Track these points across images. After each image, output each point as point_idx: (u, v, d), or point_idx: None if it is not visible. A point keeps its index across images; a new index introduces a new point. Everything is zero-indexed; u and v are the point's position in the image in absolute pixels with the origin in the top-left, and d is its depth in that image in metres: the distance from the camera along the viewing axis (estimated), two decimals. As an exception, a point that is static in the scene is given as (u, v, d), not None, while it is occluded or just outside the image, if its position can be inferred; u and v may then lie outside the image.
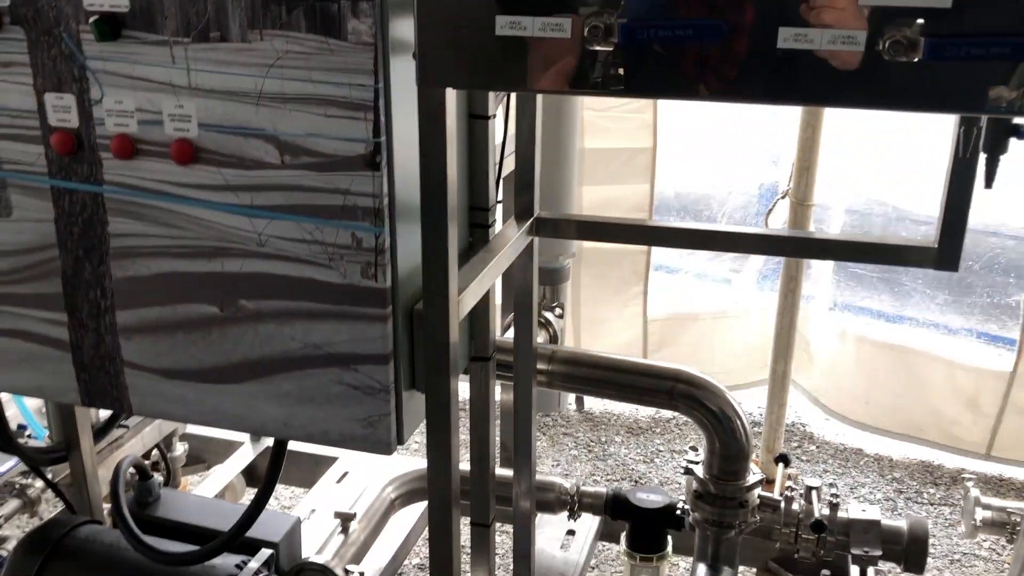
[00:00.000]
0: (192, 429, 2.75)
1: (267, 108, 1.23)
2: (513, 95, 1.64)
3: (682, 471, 1.93)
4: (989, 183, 1.30)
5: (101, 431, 2.18)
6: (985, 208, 3.02)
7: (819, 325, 3.50)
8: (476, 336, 1.61)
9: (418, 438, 2.88)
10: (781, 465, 2.03)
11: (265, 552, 1.80)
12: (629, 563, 2.17)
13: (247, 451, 2.71)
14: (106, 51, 1.27)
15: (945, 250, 1.50)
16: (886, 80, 1.01)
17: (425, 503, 2.24)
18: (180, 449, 2.62)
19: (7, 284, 1.46)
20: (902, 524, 1.97)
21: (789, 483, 2.00)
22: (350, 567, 1.94)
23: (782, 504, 1.92)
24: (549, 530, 2.37)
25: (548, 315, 2.14)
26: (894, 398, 3.33)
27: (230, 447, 2.74)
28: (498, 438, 2.46)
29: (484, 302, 1.55)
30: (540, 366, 1.86)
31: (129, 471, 1.94)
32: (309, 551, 1.97)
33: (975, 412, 3.21)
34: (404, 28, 1.20)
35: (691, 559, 1.95)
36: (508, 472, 1.95)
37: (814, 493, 1.97)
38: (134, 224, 1.35)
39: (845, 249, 1.73)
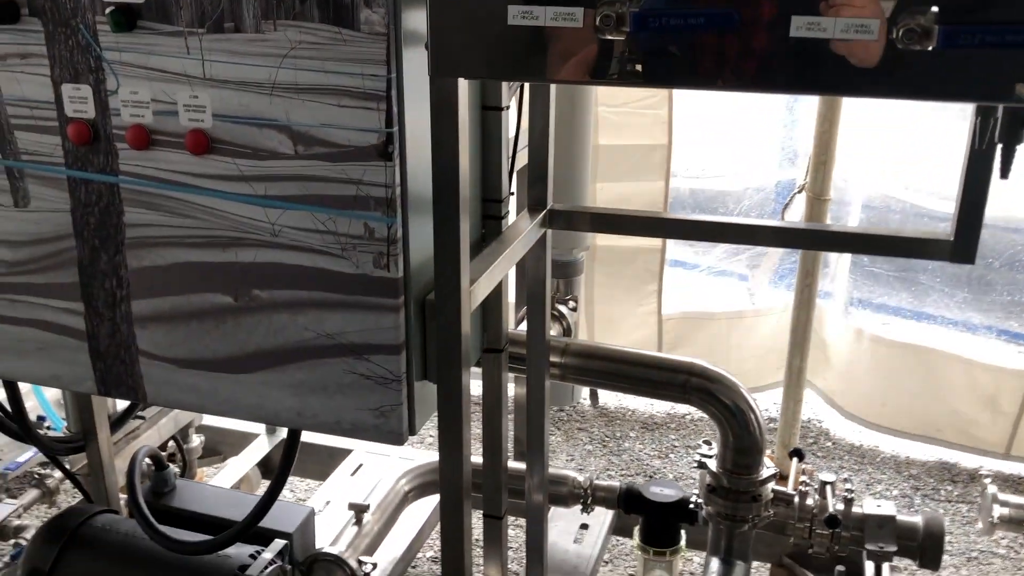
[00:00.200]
0: (208, 421, 2.76)
1: (281, 98, 1.23)
2: (527, 86, 1.64)
3: (696, 466, 1.93)
4: (1005, 174, 1.29)
5: (118, 422, 2.20)
6: (1006, 204, 2.99)
7: (836, 326, 3.46)
8: (488, 328, 1.61)
9: (433, 432, 2.89)
10: (795, 460, 2.02)
11: (279, 542, 1.81)
12: (642, 557, 2.17)
13: (263, 443, 2.72)
14: (122, 42, 1.28)
15: (961, 243, 1.49)
16: (900, 69, 1.00)
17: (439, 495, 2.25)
18: (196, 441, 2.64)
19: (25, 274, 1.47)
20: (918, 520, 1.96)
21: (803, 478, 2.00)
22: (363, 558, 1.94)
23: (796, 499, 1.92)
24: (562, 524, 2.37)
25: (562, 308, 2.14)
26: (911, 398, 3.29)
27: (246, 439, 2.75)
28: (512, 432, 2.47)
29: (496, 294, 1.55)
30: (553, 359, 1.86)
31: (145, 461, 1.96)
32: (323, 542, 1.98)
33: (994, 411, 3.18)
34: (417, 18, 1.20)
35: (705, 553, 1.95)
36: (522, 465, 1.95)
37: (828, 488, 1.96)
38: (149, 214, 1.36)
39: (861, 242, 1.72)
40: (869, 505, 1.96)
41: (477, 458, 1.70)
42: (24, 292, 1.48)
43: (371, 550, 2.05)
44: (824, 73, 1.03)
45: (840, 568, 1.97)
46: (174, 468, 2.07)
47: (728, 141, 3.46)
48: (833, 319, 3.46)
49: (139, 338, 1.44)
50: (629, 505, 2.15)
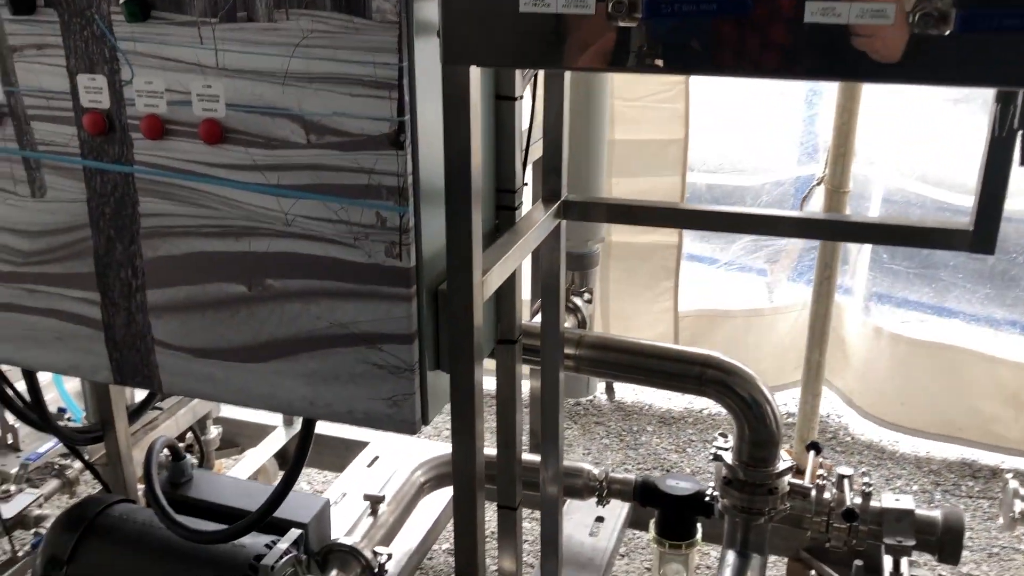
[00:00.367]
0: (226, 412, 2.78)
1: (293, 88, 1.23)
2: (541, 76, 1.64)
3: (712, 459, 1.92)
4: (1024, 160, 1.27)
5: (136, 412, 2.21)
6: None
7: (855, 324, 3.42)
8: (502, 319, 1.61)
9: (450, 424, 2.89)
10: (812, 453, 2.01)
11: (294, 532, 1.82)
12: (658, 550, 2.16)
13: (280, 435, 2.74)
14: (136, 32, 1.28)
15: (981, 233, 1.47)
16: (917, 54, 0.99)
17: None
18: (214, 432, 2.66)
19: (42, 264, 1.48)
20: (937, 514, 1.94)
21: (820, 471, 1.98)
22: (379, 549, 1.94)
23: (813, 492, 1.90)
24: (578, 516, 2.36)
25: (577, 300, 2.13)
26: (931, 397, 3.24)
27: (263, 431, 2.77)
28: (528, 424, 2.47)
29: (510, 285, 1.55)
30: (568, 351, 1.85)
31: (163, 452, 1.97)
32: (339, 533, 1.98)
33: (1017, 408, 3.14)
34: (428, 6, 1.20)
35: (721, 547, 1.94)
36: (537, 458, 1.94)
37: (846, 482, 1.94)
38: (164, 204, 1.36)
39: (880, 232, 1.70)
40: (887, 499, 1.94)
41: (492, 450, 1.71)
42: (41, 282, 1.49)
43: (386, 541, 2.05)
44: (839, 59, 1.02)
45: (858, 563, 1.95)
46: (191, 459, 2.09)
47: (746, 136, 3.43)
48: (852, 317, 3.42)
49: (154, 327, 1.45)
50: (645, 498, 2.14)
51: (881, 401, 3.35)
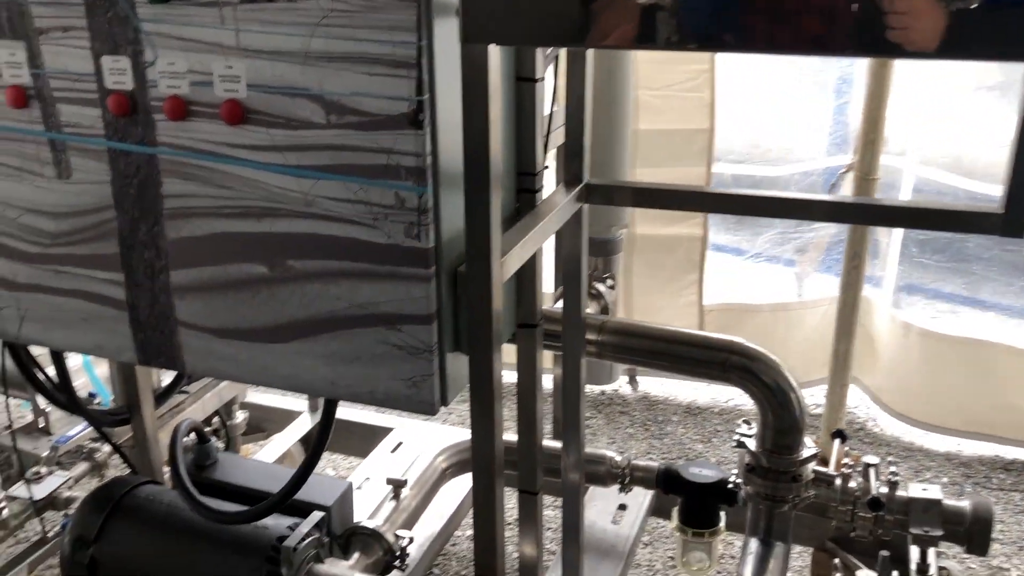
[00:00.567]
0: (252, 398, 2.81)
1: (313, 67, 1.24)
2: (563, 58, 1.62)
3: (736, 446, 1.91)
4: (1054, 142, 1.24)
5: (162, 396, 2.24)
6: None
7: (884, 320, 3.35)
8: (523, 303, 1.60)
9: (473, 412, 2.89)
10: (837, 441, 1.98)
11: (317, 515, 1.83)
12: (681, 538, 2.15)
13: (305, 420, 2.76)
14: (159, 13, 1.29)
15: (1012, 215, 1.43)
16: (946, 28, 0.96)
17: (476, 473, 2.25)
18: (240, 417, 2.68)
19: (68, 245, 1.50)
20: (965, 504, 1.91)
21: (846, 460, 1.96)
22: (400, 532, 1.96)
23: (838, 480, 1.88)
24: (601, 504, 2.36)
25: (600, 286, 2.12)
26: (963, 394, 3.18)
27: (289, 416, 2.79)
28: (551, 411, 2.46)
29: (530, 268, 1.54)
30: (590, 336, 1.85)
31: (188, 435, 1.99)
32: (363, 517, 1.99)
33: (1052, 404, 3.09)
34: (447, -16, 1.19)
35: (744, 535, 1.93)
36: (560, 444, 1.94)
37: (872, 471, 1.92)
38: (187, 185, 1.37)
39: (910, 215, 1.66)
40: (914, 489, 1.91)
41: (514, 435, 1.71)
42: (67, 263, 1.51)
43: (408, 525, 2.06)
44: (866, 34, 0.99)
45: (884, 553, 1.93)
46: (217, 442, 2.11)
47: (774, 126, 3.39)
48: (881, 312, 3.36)
49: (178, 308, 1.46)
50: (667, 485, 2.13)
51: (910, 399, 3.29)
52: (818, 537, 2.21)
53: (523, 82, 1.47)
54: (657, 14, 1.06)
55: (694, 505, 2.09)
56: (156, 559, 1.84)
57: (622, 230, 2.26)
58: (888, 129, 2.57)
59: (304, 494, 1.81)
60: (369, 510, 2.07)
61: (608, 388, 3.49)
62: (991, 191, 3.04)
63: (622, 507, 2.32)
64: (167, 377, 2.33)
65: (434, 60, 1.20)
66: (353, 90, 1.23)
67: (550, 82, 1.65)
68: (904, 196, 3.21)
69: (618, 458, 2.19)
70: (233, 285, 1.41)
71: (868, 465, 1.94)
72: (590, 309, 2.08)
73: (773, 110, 3.32)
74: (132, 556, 1.85)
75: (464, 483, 2.37)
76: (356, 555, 1.88)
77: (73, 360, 2.87)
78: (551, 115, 1.61)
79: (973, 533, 1.89)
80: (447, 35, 1.21)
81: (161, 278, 1.45)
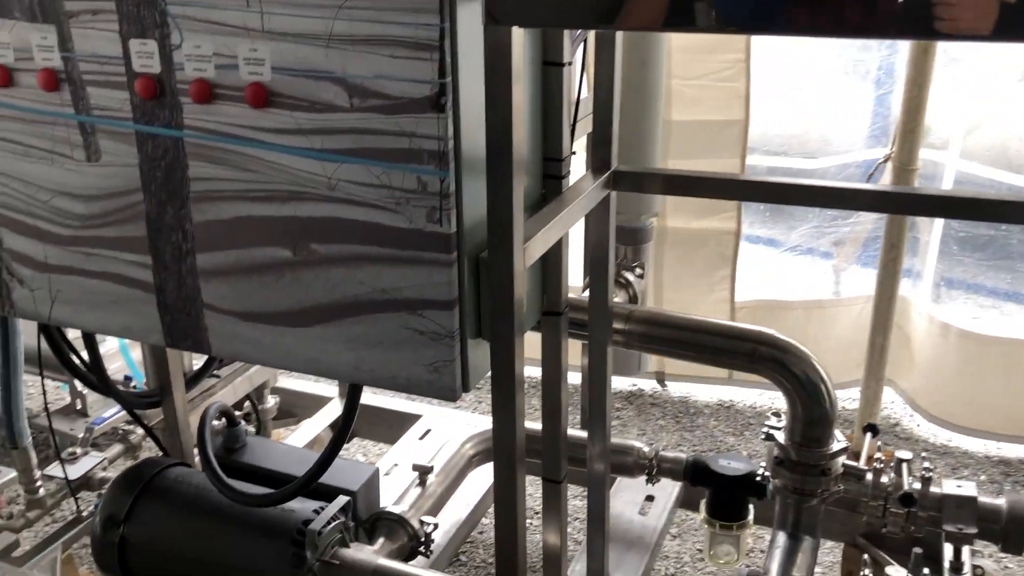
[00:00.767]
0: (283, 383, 2.83)
1: (336, 50, 1.23)
2: (591, 42, 1.61)
3: (764, 438, 1.88)
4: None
5: (193, 379, 2.26)
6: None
7: (921, 321, 3.26)
8: (548, 290, 1.59)
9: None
10: (869, 435, 1.95)
11: (342, 499, 1.84)
12: (709, 531, 2.13)
13: (335, 406, 2.77)
14: (185, -4, 1.29)
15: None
16: (1000, 8, 0.93)
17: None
18: (271, 402, 2.70)
19: (98, 227, 1.51)
20: (1001, 502, 1.87)
21: (878, 455, 1.92)
22: (425, 518, 1.96)
23: (868, 475, 1.85)
24: (628, 494, 2.34)
25: (628, 275, 2.10)
26: (1003, 397, 3.08)
27: (320, 402, 2.80)
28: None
29: (555, 255, 1.53)
30: (617, 325, 1.83)
31: (218, 419, 2.01)
32: (389, 503, 2.00)
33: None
34: (471, -34, 1.18)
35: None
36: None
37: (905, 466, 1.89)
38: (212, 168, 1.38)
39: (950, 205, 1.61)
40: (949, 485, 1.87)
41: (539, 424, 1.70)
42: (97, 245, 1.52)
43: (434, 511, 2.06)
44: (916, 16, 0.95)
45: (917, 550, 1.89)
46: (247, 426, 2.13)
47: (811, 117, 3.31)
48: (919, 313, 3.27)
49: (203, 291, 1.47)
50: (695, 477, 2.11)
51: (948, 402, 3.19)
52: (849, 532, 2.17)
53: (550, 66, 1.46)
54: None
55: (722, 497, 2.07)
56: (184, 540, 1.86)
57: (652, 218, 2.24)
58: (929, 119, 2.52)
59: (331, 478, 1.82)
60: (396, 496, 2.08)
61: (640, 383, 3.46)
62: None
63: (650, 498, 2.31)
64: (199, 361, 2.36)
65: (457, 43, 1.19)
66: (376, 73, 1.22)
67: (580, 67, 1.63)
68: (945, 187, 3.14)
69: (645, 449, 2.17)
70: (258, 268, 1.41)
71: (901, 460, 1.90)
72: (619, 298, 2.07)
73: (810, 101, 3.25)
74: (161, 536, 1.88)
75: (491, 471, 2.36)
76: (381, 540, 1.89)
77: (110, 343, 2.92)
78: (578, 101, 1.59)
79: (1009, 531, 1.85)
80: (471, 17, 1.20)
81: (187, 261, 1.46)
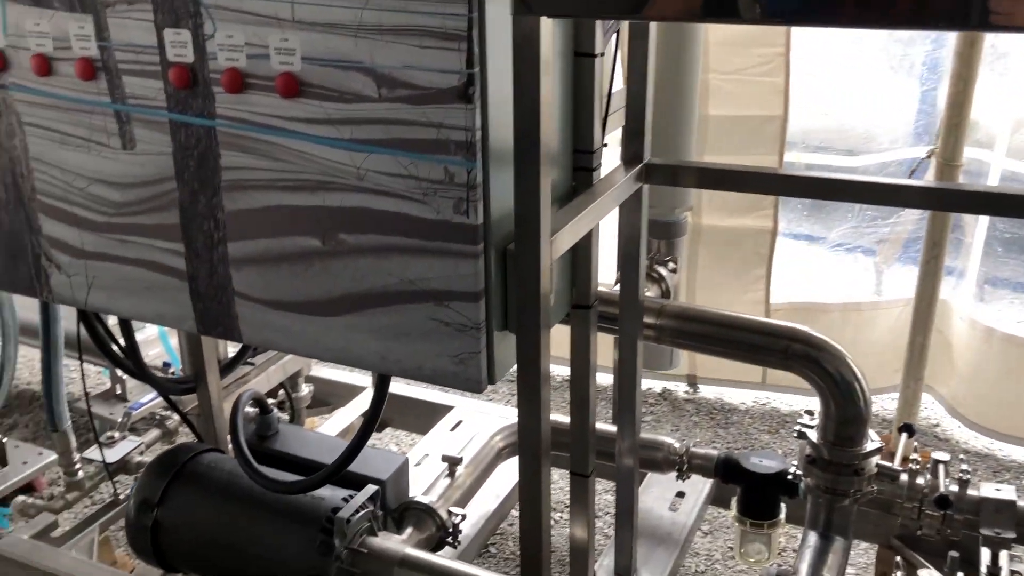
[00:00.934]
0: (318, 371, 2.85)
1: (365, 40, 1.23)
2: (625, 33, 1.59)
3: (797, 436, 1.85)
4: None
5: (228, 367, 2.28)
6: None
7: (963, 324, 3.16)
8: (577, 283, 1.58)
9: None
10: (904, 435, 1.91)
11: (371, 488, 1.85)
12: (740, 528, 2.11)
13: (369, 395, 2.78)
14: (218, -14, 1.30)
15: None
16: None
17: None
18: (305, 390, 2.72)
19: (133, 215, 1.54)
20: (1041, 507, 1.82)
21: (914, 456, 1.89)
22: (454, 509, 1.96)
23: (903, 476, 1.81)
24: (659, 490, 2.32)
25: (661, 269, 2.08)
26: None
27: (353, 391, 2.82)
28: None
29: (584, 248, 1.52)
30: (648, 320, 1.81)
31: (251, 406, 2.03)
32: (419, 493, 2.01)
33: None
34: (500, -44, 1.17)
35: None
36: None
37: (941, 467, 1.85)
38: (244, 157, 1.39)
39: (996, 202, 1.58)
40: (987, 489, 1.83)
41: (567, 417, 1.69)
42: (132, 232, 1.54)
43: (462, 502, 2.07)
44: (969, 6, 0.92)
45: (953, 554, 1.85)
46: (282, 415, 2.15)
47: (852, 114, 3.24)
48: (960, 317, 3.17)
49: (234, 279, 1.48)
50: (727, 474, 2.09)
51: (989, 409, 3.09)
52: (883, 534, 2.14)
53: (581, 57, 1.45)
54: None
55: (753, 495, 2.05)
56: (215, 524, 1.88)
57: (686, 212, 2.21)
58: (975, 115, 2.46)
59: (361, 467, 1.83)
60: (426, 486, 2.09)
61: (671, 385, 3.41)
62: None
63: (680, 494, 2.29)
64: (233, 349, 2.39)
65: (485, 33, 1.18)
66: (404, 63, 1.22)
67: (613, 59, 1.62)
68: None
69: (676, 444, 2.16)
70: (287, 257, 1.42)
71: (937, 462, 1.86)
72: (651, 292, 2.05)
73: (851, 96, 3.18)
74: (193, 521, 1.90)
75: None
76: (409, 530, 1.90)
77: (150, 329, 2.97)
78: (610, 92, 1.58)
79: (1049, 537, 1.80)
80: (500, 7, 1.19)
81: (219, 249, 1.48)
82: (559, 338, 1.46)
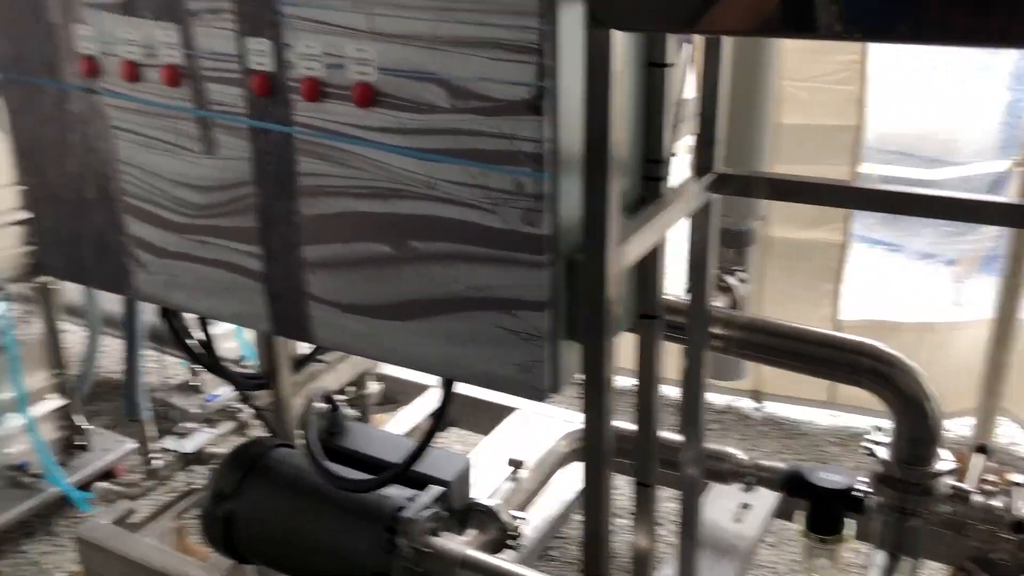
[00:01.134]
0: (386, 369, 2.90)
1: (439, 52, 1.25)
2: (699, 41, 1.58)
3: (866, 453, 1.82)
4: None
5: (300, 363, 2.34)
6: None
7: None
8: (644, 293, 1.58)
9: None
10: (979, 456, 1.86)
11: (437, 489, 1.88)
12: (805, 543, 2.08)
13: (435, 394, 2.82)
14: (299, -3, 1.34)
15: None
16: None
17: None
18: (374, 387, 2.78)
19: (214, 217, 1.59)
20: (1124, 535, 1.76)
21: (990, 477, 1.84)
22: (516, 513, 1.98)
23: (977, 497, 1.77)
24: (724, 501, 2.31)
25: (730, 279, 2.07)
26: None
27: (420, 389, 2.86)
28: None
29: (652, 258, 1.52)
30: (716, 330, 1.81)
31: (321, 403, 2.08)
32: (479, 494, 2.03)
33: None
34: (575, -31, 1.18)
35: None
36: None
37: (1018, 490, 1.79)
38: (319, 164, 1.42)
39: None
40: (1067, 514, 1.78)
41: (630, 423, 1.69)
42: (211, 234, 1.60)
43: (525, 506, 2.08)
44: None
45: (1029, 579, 1.81)
46: (349, 411, 2.19)
47: (932, 124, 3.14)
48: None
49: (309, 282, 1.52)
50: (792, 488, 2.06)
51: None
52: (956, 555, 2.08)
53: (653, 67, 1.45)
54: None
55: (819, 510, 2.02)
56: (285, 518, 1.93)
57: (757, 221, 2.19)
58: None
59: (426, 468, 1.86)
60: (487, 487, 2.11)
61: (734, 401, 3.36)
62: None
63: (745, 506, 2.27)
64: (305, 346, 2.44)
65: (557, 46, 1.19)
66: (477, 75, 1.24)
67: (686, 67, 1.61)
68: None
69: (742, 456, 2.14)
70: (360, 262, 1.45)
71: (1014, 484, 1.81)
72: (719, 302, 2.03)
73: (932, 105, 3.09)
74: (264, 514, 1.95)
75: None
76: (471, 531, 1.92)
77: (227, 324, 3.06)
78: (682, 101, 1.57)
79: None
80: (572, 20, 1.20)
81: (295, 253, 1.51)
82: (624, 346, 1.46)
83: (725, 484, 2.19)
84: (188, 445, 2.56)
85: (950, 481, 1.74)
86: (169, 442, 2.57)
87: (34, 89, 1.68)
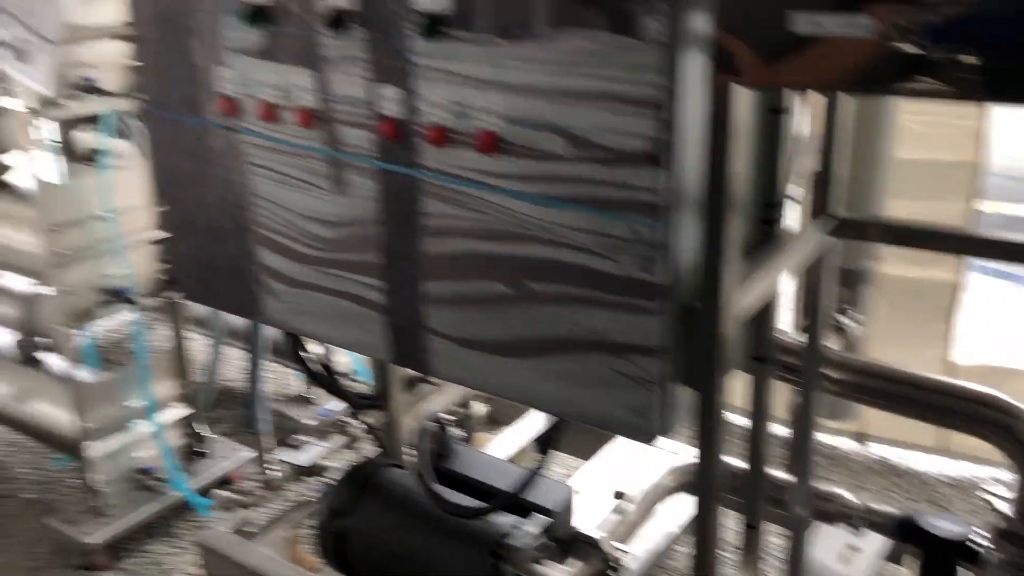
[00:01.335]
0: (492, 392, 2.94)
1: (561, 104, 1.29)
2: (817, 90, 1.58)
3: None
4: None
5: (410, 384, 2.41)
6: None
7: None
8: (758, 335, 1.58)
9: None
10: (1108, 513, 1.78)
11: (544, 519, 1.91)
12: (915, 591, 2.03)
13: (539, 417, 2.85)
14: (429, 48, 1.40)
15: None
16: None
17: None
18: (479, 409, 2.83)
19: (341, 251, 1.67)
20: None
21: (1119, 535, 1.76)
22: (619, 545, 2.00)
23: (1104, 558, 1.70)
24: (832, 542, 2.27)
25: (844, 319, 2.04)
26: None
27: (524, 412, 2.90)
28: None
29: (767, 301, 1.52)
30: (830, 373, 1.79)
31: (432, 425, 2.15)
32: (578, 521, 2.05)
33: None
34: (696, 25, 1.21)
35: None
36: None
37: None
38: (442, 206, 1.48)
39: None
40: None
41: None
42: (338, 267, 1.68)
43: (628, 538, 2.10)
44: None
45: None
46: (457, 433, 2.25)
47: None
48: None
49: (428, 316, 1.58)
50: (904, 534, 2.02)
51: None
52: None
53: (772, 113, 1.46)
54: (900, 62, 1.00)
55: (932, 559, 1.97)
56: (396, 539, 2.00)
57: (873, 260, 2.15)
58: None
59: (530, 495, 1.90)
60: (589, 516, 2.13)
61: (843, 421, 3.28)
62: None
63: (854, 548, 2.22)
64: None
65: (677, 99, 1.22)
66: (597, 126, 1.27)
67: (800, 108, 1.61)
68: None
69: (851, 497, 2.10)
70: (478, 300, 1.50)
71: None
72: (833, 342, 2.01)
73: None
74: (377, 533, 2.03)
75: (687, 500, 2.36)
76: (574, 562, 1.94)
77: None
78: (798, 143, 1.57)
79: None
80: (692, 73, 1.22)
81: (416, 288, 1.58)
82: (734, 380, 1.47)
83: (832, 525, 2.15)
84: (303, 458, 2.66)
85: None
86: (285, 454, 2.68)
87: (176, 123, 1.80)
